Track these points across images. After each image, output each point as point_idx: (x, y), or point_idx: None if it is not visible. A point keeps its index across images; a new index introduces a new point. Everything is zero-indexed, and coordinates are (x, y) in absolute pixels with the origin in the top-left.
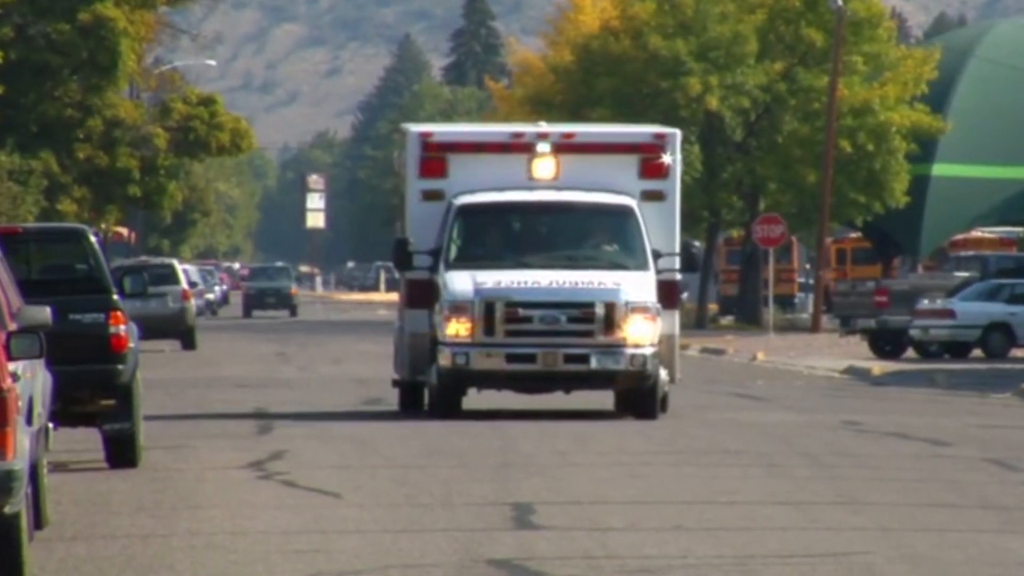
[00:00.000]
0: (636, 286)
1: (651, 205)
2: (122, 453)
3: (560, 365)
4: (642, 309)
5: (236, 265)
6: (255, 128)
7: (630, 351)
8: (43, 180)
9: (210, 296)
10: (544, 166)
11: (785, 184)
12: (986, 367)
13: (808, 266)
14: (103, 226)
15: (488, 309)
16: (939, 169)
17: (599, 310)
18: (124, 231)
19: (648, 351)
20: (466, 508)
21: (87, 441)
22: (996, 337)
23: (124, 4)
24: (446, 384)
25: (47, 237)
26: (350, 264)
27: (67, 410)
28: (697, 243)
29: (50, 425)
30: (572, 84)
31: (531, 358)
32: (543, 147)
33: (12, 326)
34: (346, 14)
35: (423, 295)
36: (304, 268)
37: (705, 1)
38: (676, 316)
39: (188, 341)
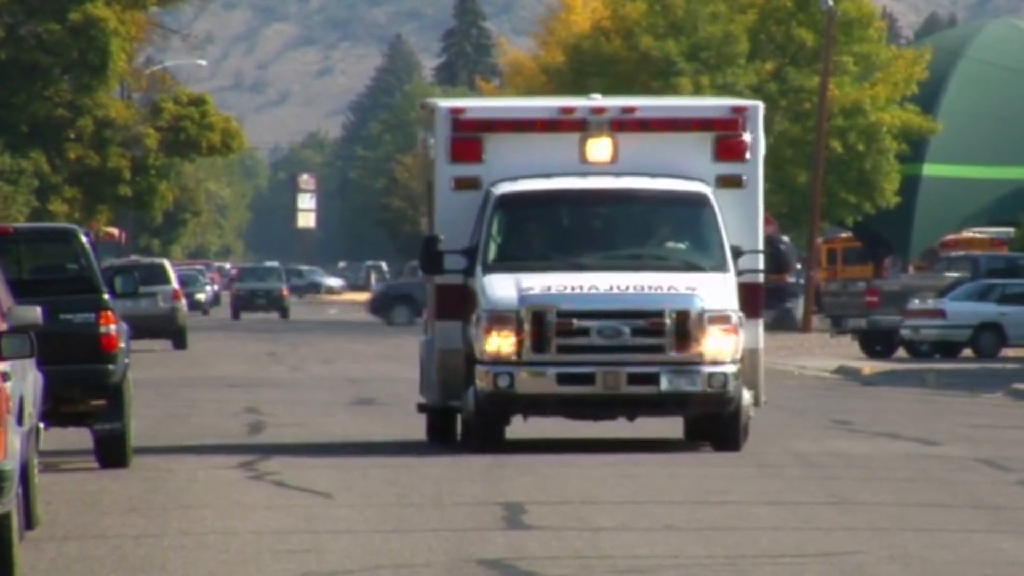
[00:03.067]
0: (714, 291)
1: (728, 193)
2: (113, 453)
3: (623, 387)
4: (721, 318)
5: (227, 265)
6: (246, 128)
7: (707, 369)
8: (34, 180)
9: (200, 296)
10: (600, 147)
11: (776, 184)
12: (977, 367)
13: (799, 266)
14: (94, 226)
15: (536, 320)
16: (930, 169)
17: (670, 320)
18: (115, 231)
19: (729, 369)
20: (457, 508)
21: (78, 441)
22: (987, 337)
23: (115, 4)
24: (485, 411)
25: (38, 237)
26: (341, 264)
27: (58, 410)
28: (786, 238)
29: (41, 425)
30: (563, 84)
31: (588, 379)
32: (598, 124)
33: (3, 326)
34: (337, 14)
35: (456, 303)
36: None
37: (696, 1)
38: (760, 327)
39: (179, 341)
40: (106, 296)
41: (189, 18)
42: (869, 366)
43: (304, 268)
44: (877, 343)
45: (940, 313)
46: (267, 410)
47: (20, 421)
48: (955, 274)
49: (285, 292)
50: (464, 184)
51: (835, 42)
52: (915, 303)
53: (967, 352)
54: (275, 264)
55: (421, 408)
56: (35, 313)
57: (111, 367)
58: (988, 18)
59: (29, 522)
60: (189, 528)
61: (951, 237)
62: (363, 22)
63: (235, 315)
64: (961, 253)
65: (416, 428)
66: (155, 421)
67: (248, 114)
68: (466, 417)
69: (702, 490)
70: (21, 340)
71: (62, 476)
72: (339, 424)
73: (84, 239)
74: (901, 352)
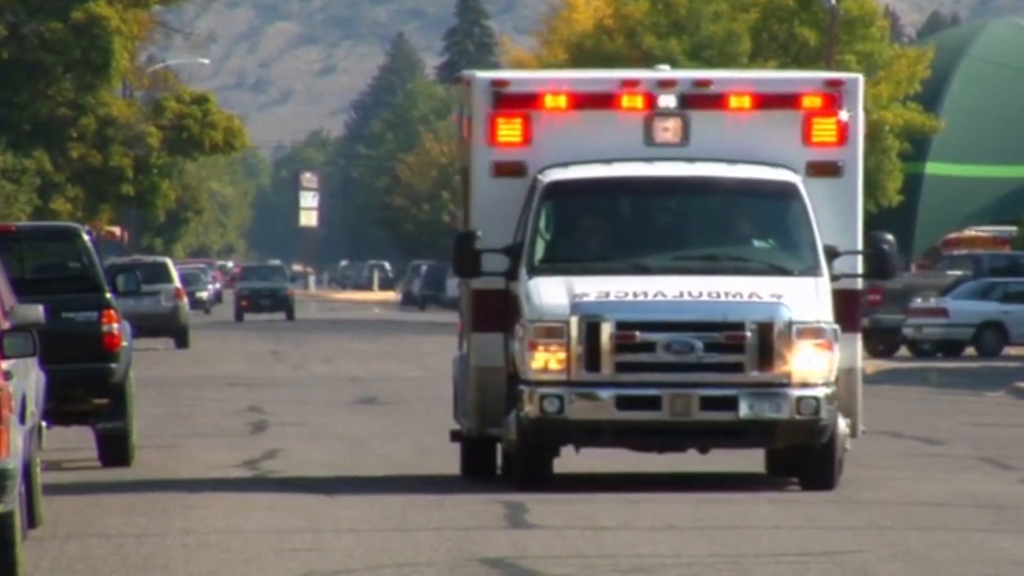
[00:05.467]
0: (804, 299)
1: (821, 182)
2: (115, 452)
3: (695, 413)
4: (813, 332)
5: (229, 264)
6: (248, 127)
7: (796, 393)
8: (36, 179)
9: (202, 295)
10: (669, 127)
11: None
12: (979, 365)
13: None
14: (96, 225)
15: (591, 332)
16: (932, 168)
17: (751, 334)
18: (117, 230)
19: (821, 392)
20: (459, 507)
21: (80, 440)
22: (989, 335)
23: (117, 3)
24: (530, 440)
25: (40, 236)
26: (343, 263)
27: (60, 409)
28: (890, 236)
29: (43, 424)
30: None
31: (653, 403)
32: (667, 100)
33: (5, 324)
34: (339, 12)
35: (496, 312)
36: (298, 267)
37: (698, 0)
38: (858, 342)
39: (181, 339)
40: (108, 295)
41: (191, 17)
42: (871, 365)
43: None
44: (880, 342)
45: (943, 312)
46: (269, 409)
47: (22, 420)
48: (957, 273)
49: (290, 292)
50: (506, 170)
51: (837, 41)
52: (917, 302)
53: (970, 351)
54: (279, 263)
55: (455, 436)
56: (37, 312)
57: (113, 366)
58: (991, 17)
59: (32, 521)
60: (191, 527)
61: (953, 236)
62: (365, 21)
63: (238, 316)
64: (963, 252)
65: (416, 428)
66: (157, 420)
67: (251, 112)
68: (507, 448)
69: (704, 488)
70: (23, 339)
71: (65, 475)
72: (341, 423)
73: (86, 238)
74: (903, 351)
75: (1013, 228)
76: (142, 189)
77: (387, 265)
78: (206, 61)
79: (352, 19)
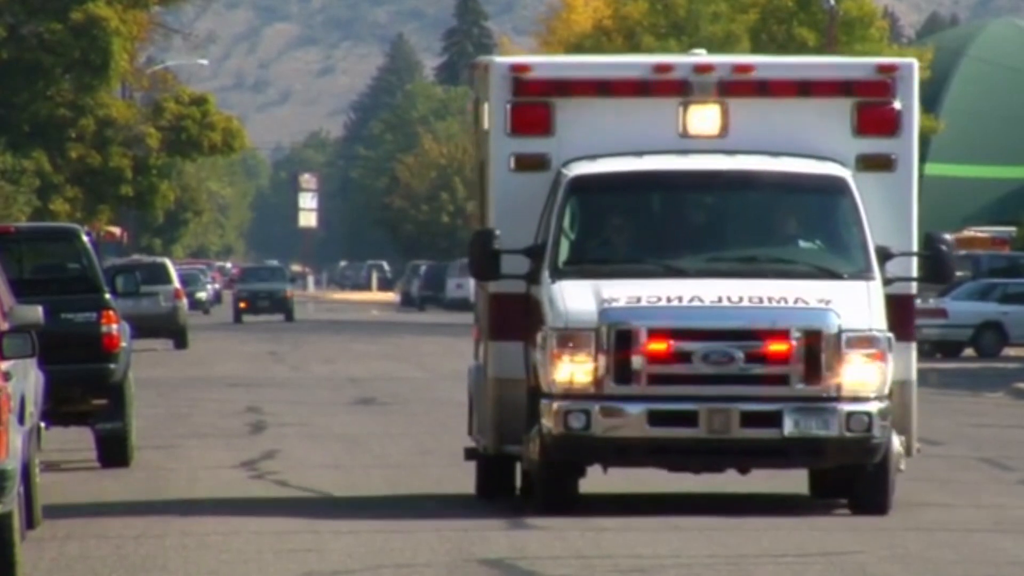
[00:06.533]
0: (855, 305)
1: (873, 177)
2: (114, 452)
3: (735, 430)
4: (865, 341)
5: (228, 264)
6: (247, 127)
7: (846, 408)
8: (35, 180)
9: (201, 296)
10: (705, 116)
11: None
12: (978, 366)
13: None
14: (95, 225)
15: (621, 341)
16: (931, 168)
17: (797, 343)
18: (116, 230)
19: (874, 407)
20: (458, 507)
21: (79, 440)
22: (988, 336)
23: (116, 3)
24: (554, 460)
25: (39, 236)
26: (342, 263)
27: (59, 409)
28: (948, 235)
29: (42, 424)
30: None
31: (689, 418)
32: (703, 87)
33: (4, 325)
34: (339, 14)
35: (516, 319)
36: (296, 267)
37: (697, 1)
38: (913, 351)
39: (180, 340)
40: (107, 295)
41: (191, 18)
42: None
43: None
44: None
45: (942, 312)
46: (268, 409)
47: (21, 420)
48: (957, 273)
49: (289, 293)
50: (528, 163)
51: (836, 42)
52: (916, 302)
53: (969, 351)
54: (278, 264)
55: (470, 454)
56: (36, 313)
57: (112, 366)
58: (990, 18)
59: (31, 521)
60: (190, 527)
61: (952, 236)
62: (365, 22)
63: (237, 318)
64: (962, 252)
65: (415, 428)
66: (156, 420)
67: (250, 113)
68: (528, 467)
69: (703, 489)
70: (23, 339)
71: (63, 475)
72: (340, 423)
73: (85, 238)
74: None
75: (1012, 229)
76: (141, 190)
77: (386, 266)
78: (205, 62)
79: (351, 20)
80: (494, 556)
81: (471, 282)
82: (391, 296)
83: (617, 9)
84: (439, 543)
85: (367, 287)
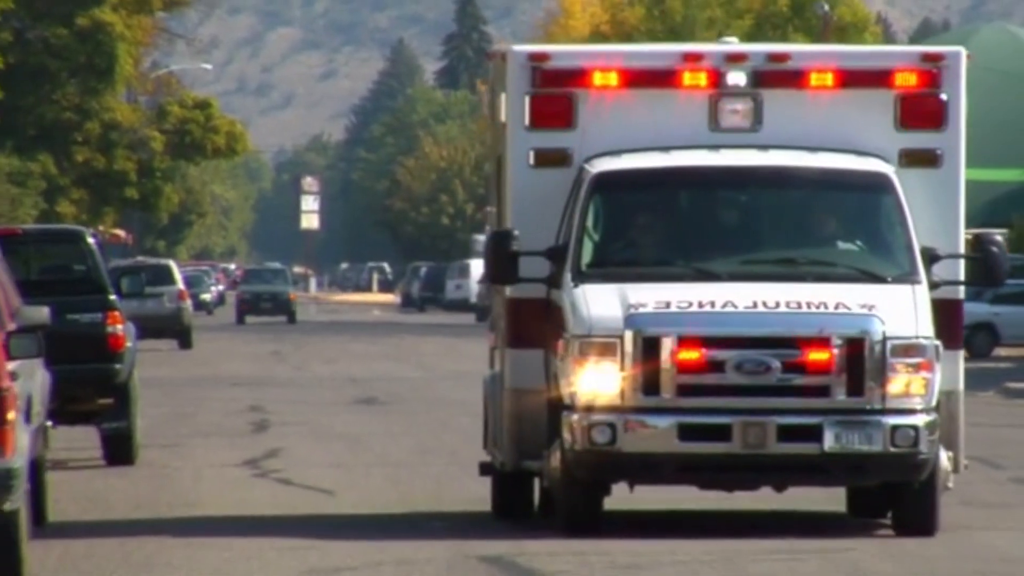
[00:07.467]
0: (900, 310)
1: (918, 173)
2: (120, 451)
3: (771, 445)
4: (911, 349)
5: (231, 266)
6: (250, 131)
7: (891, 421)
8: (42, 182)
9: (205, 297)
10: (738, 108)
11: None
12: (970, 366)
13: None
14: (100, 227)
15: (648, 349)
16: None
17: (838, 351)
18: (121, 232)
19: (921, 420)
20: (457, 505)
21: (85, 439)
22: (980, 337)
23: (121, 9)
24: (578, 476)
25: (46, 238)
26: (344, 265)
27: (65, 409)
28: (999, 236)
29: (49, 423)
30: None
31: (722, 432)
32: (736, 77)
33: (11, 326)
34: (340, 18)
35: (536, 325)
36: (298, 269)
37: (693, 6)
38: (960, 360)
39: (184, 340)
40: (113, 296)
41: (194, 23)
42: None
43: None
44: None
45: None
46: (271, 409)
47: (28, 419)
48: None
49: (292, 295)
50: (549, 159)
51: None
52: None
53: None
54: (280, 266)
55: (485, 469)
56: (43, 313)
57: (118, 366)
58: (981, 23)
59: (38, 519)
60: (194, 525)
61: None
62: (366, 27)
63: (240, 319)
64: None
65: (415, 427)
66: (161, 419)
67: (253, 117)
68: (549, 485)
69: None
70: (29, 340)
71: (70, 474)
72: (342, 422)
73: (91, 240)
74: None
75: (1004, 231)
76: (146, 192)
77: (386, 267)
78: (208, 66)
79: (353, 25)
80: (493, 553)
81: (471, 283)
82: (392, 297)
83: (614, 14)
84: (438, 540)
85: (368, 288)
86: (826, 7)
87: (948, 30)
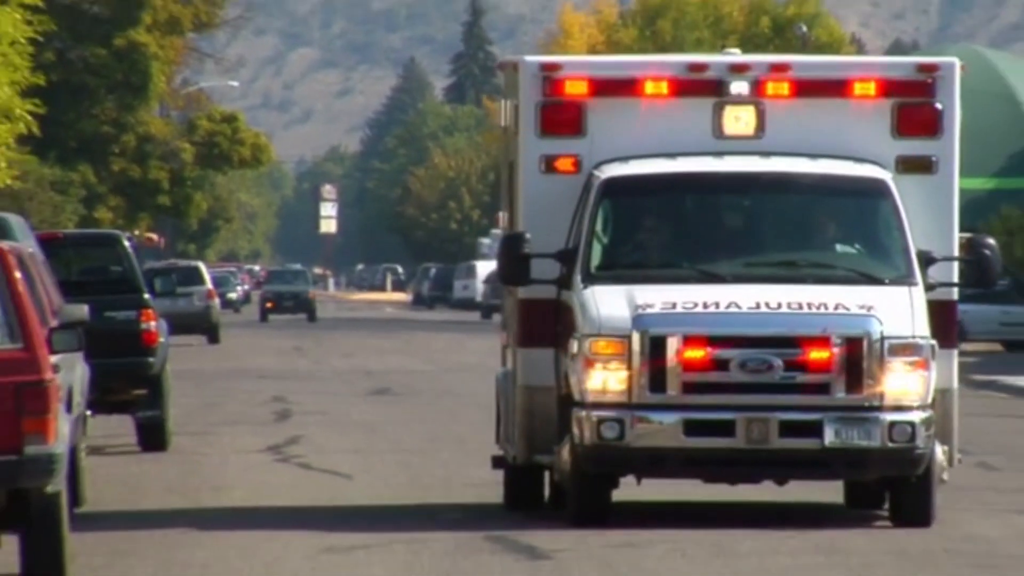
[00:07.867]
0: (898, 311)
1: (914, 179)
2: (153, 438)
3: (773, 440)
4: (908, 348)
5: (256, 267)
6: (273, 143)
7: (889, 417)
8: (81, 190)
9: (232, 296)
10: (741, 117)
11: None
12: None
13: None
14: (135, 232)
15: (655, 348)
16: None
17: (837, 350)
18: (155, 236)
19: (918, 417)
20: (465, 488)
21: (121, 427)
22: None
23: (155, 31)
24: (587, 470)
25: (85, 242)
26: (359, 266)
27: (103, 399)
28: (992, 239)
29: (88, 412)
30: None
31: (726, 428)
32: (740, 86)
33: (54, 323)
34: (356, 39)
35: (546, 325)
36: (318, 270)
37: (682, 28)
38: (954, 359)
39: (213, 336)
40: (147, 296)
41: (222, 43)
42: None
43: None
44: None
45: None
46: (293, 399)
47: (69, 409)
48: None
49: (312, 295)
50: (559, 165)
51: None
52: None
53: None
54: (301, 267)
55: (497, 463)
56: (83, 311)
57: (151, 360)
58: (947, 43)
59: (77, 500)
60: (221, 506)
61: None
62: (380, 46)
63: (263, 317)
64: None
65: (426, 416)
66: (191, 409)
67: (276, 130)
68: (559, 478)
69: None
70: (70, 335)
71: (107, 459)
72: (358, 412)
73: (127, 244)
74: None
75: (969, 235)
76: (177, 200)
77: (399, 268)
78: (235, 84)
79: (368, 45)
80: (497, 532)
81: (477, 283)
82: (404, 296)
83: (610, 35)
84: (447, 520)
85: (382, 288)
86: (804, 28)
87: (918, 50)
